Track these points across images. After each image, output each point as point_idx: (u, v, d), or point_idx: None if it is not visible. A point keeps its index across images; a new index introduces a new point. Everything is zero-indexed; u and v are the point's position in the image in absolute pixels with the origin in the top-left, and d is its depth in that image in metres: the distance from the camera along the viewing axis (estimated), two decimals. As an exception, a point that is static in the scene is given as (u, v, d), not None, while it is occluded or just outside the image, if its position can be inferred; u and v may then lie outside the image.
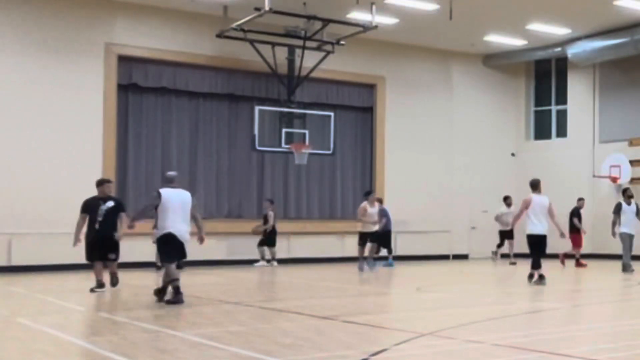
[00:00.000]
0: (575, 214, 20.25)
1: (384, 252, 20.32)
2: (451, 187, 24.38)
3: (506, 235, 21.12)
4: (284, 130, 20.21)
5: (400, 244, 22.81)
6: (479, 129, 25.12)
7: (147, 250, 17.76)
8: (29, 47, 18.35)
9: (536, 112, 26.05)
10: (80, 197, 13.16)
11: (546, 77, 25.74)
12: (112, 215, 12.81)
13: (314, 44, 20.07)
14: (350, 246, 21.56)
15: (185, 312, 10.28)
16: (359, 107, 23.48)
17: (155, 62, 20.17)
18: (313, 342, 7.57)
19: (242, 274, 17.68)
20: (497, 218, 21.48)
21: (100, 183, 13.18)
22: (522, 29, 21.72)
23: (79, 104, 18.89)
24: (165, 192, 11.07)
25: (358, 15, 19.51)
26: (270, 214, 20.05)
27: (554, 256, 20.56)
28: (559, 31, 22.03)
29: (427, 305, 11.77)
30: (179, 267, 11.97)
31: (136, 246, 17.37)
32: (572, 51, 22.83)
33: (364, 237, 18.06)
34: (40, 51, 18.47)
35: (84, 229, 12.82)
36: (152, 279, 15.96)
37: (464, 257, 24.55)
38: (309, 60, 20.21)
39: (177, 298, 10.92)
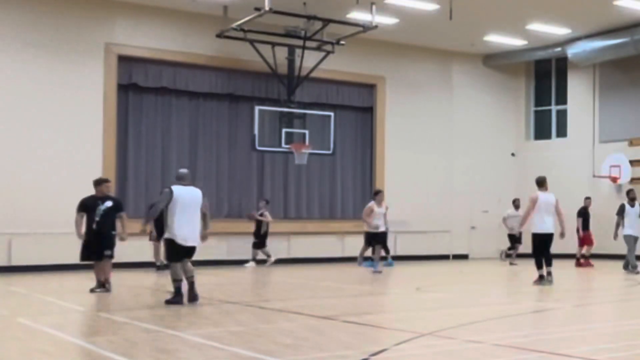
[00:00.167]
0: (581, 213, 20.27)
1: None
2: (451, 187, 24.38)
3: (515, 238, 20.96)
4: (284, 130, 20.21)
5: (400, 244, 22.81)
6: (479, 129, 25.12)
7: (146, 250, 17.79)
8: (29, 47, 18.35)
9: (536, 112, 26.05)
10: (80, 197, 13.08)
11: (546, 77, 25.74)
12: (110, 216, 12.68)
13: (314, 44, 20.07)
14: (350, 246, 21.58)
15: (185, 312, 10.29)
16: (359, 107, 23.48)
17: (155, 62, 20.17)
18: (313, 342, 7.57)
19: (242, 274, 17.69)
20: (504, 220, 21.30)
21: (98, 182, 13.00)
22: (522, 29, 21.72)
23: (79, 104, 18.89)
24: (177, 189, 11.01)
25: (358, 15, 19.50)
26: (267, 214, 20.05)
27: (559, 256, 20.60)
28: (559, 31, 22.03)
29: (427, 305, 11.77)
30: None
31: (135, 246, 17.34)
32: (572, 51, 22.83)
33: (370, 237, 17.59)
34: (40, 51, 18.48)
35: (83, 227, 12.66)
36: (152, 279, 15.97)
37: (464, 257, 24.55)
38: (309, 60, 20.21)
39: (177, 299, 10.91)
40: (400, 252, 22.51)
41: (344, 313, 10.19)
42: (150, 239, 17.37)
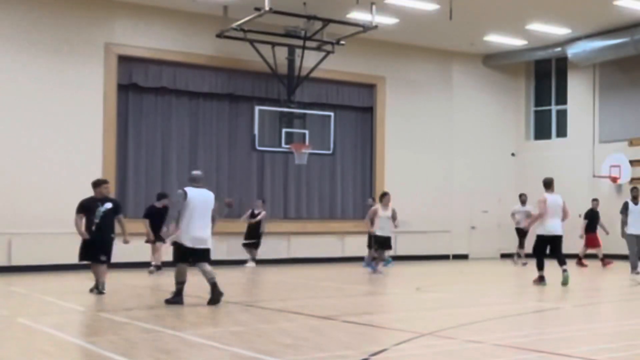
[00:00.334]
0: (588, 215, 20.25)
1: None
2: (451, 187, 24.39)
3: (521, 233, 20.84)
4: (284, 130, 20.21)
5: (400, 244, 22.80)
6: (479, 129, 25.12)
7: (144, 250, 17.75)
8: (29, 47, 18.35)
9: (536, 112, 26.05)
10: (80, 197, 13.02)
11: (546, 77, 25.75)
12: (110, 217, 12.57)
13: (314, 44, 20.07)
14: (350, 246, 21.59)
15: (185, 312, 10.29)
16: (359, 107, 23.48)
17: (155, 62, 20.17)
18: (313, 342, 7.57)
19: (242, 274, 17.68)
20: (513, 216, 21.20)
21: (97, 184, 12.84)
22: (522, 29, 21.72)
23: (79, 104, 18.89)
24: (190, 191, 11.00)
25: (358, 15, 19.50)
26: (264, 213, 20.05)
27: (595, 256, 20.60)
28: (559, 31, 22.03)
29: (427, 305, 11.78)
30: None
31: (133, 246, 17.30)
32: (572, 51, 22.83)
33: (379, 241, 17.25)
34: (40, 51, 18.48)
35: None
36: (152, 280, 15.97)
37: (464, 257, 24.55)
38: (309, 60, 20.21)
39: (177, 299, 10.92)
40: (400, 252, 22.50)
41: (344, 313, 10.19)
42: (147, 241, 17.34)
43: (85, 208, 12.52)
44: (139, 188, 19.98)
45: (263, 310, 10.41)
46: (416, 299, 12.82)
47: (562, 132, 25.15)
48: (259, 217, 19.94)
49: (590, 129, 23.99)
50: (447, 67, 24.64)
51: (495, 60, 25.13)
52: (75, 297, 12.14)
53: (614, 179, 22.63)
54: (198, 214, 10.89)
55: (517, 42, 23.35)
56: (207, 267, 11.05)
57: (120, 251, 15.70)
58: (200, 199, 11.00)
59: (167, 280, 15.58)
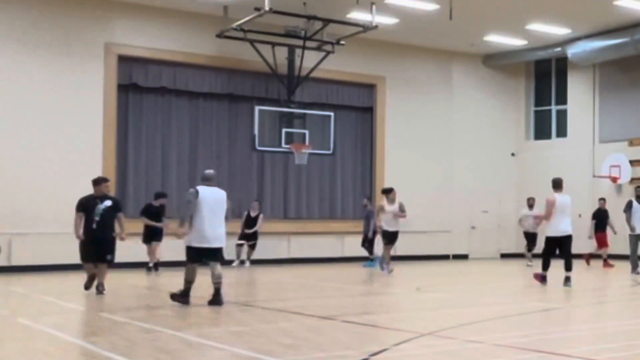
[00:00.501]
0: (596, 215, 20.22)
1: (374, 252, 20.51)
2: (451, 187, 24.39)
3: (530, 237, 20.76)
4: (284, 130, 20.20)
5: (400, 244, 22.72)
6: (479, 129, 25.12)
7: (144, 250, 17.76)
8: (29, 47, 18.35)
9: (536, 112, 26.05)
10: (80, 197, 13.00)
11: (546, 77, 25.74)
12: (110, 215, 12.47)
13: (314, 44, 20.07)
14: (350, 246, 21.57)
15: (185, 312, 10.29)
16: (359, 107, 23.48)
17: (155, 62, 20.17)
18: (313, 342, 7.57)
19: (242, 274, 17.68)
20: (520, 222, 21.02)
21: (97, 182, 12.74)
22: (522, 29, 21.72)
23: (79, 104, 18.89)
24: (202, 190, 10.96)
25: (358, 15, 19.50)
26: (261, 216, 20.04)
27: (594, 257, 20.59)
28: (559, 31, 22.02)
29: (427, 305, 11.77)
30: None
31: (132, 246, 17.32)
32: (572, 51, 22.82)
33: (386, 236, 17.11)
34: (40, 51, 18.48)
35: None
36: (151, 280, 15.97)
37: (464, 257, 24.55)
38: (309, 60, 20.21)
39: (184, 299, 10.84)
40: (400, 252, 22.47)
41: (344, 313, 10.19)
42: (144, 241, 17.33)
43: (85, 206, 12.42)
44: (138, 188, 19.98)
45: (263, 310, 10.40)
46: (416, 299, 12.82)
47: (562, 132, 25.15)
48: (259, 222, 19.91)
49: (590, 129, 23.99)
50: (447, 67, 24.64)
51: (495, 60, 25.13)
52: (75, 297, 12.14)
53: (614, 179, 22.62)
54: (210, 213, 10.83)
55: (517, 42, 23.34)
56: (218, 269, 10.96)
57: (120, 251, 15.70)
58: (212, 198, 10.94)
59: (166, 280, 15.58)
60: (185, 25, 20.26)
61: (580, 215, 20.53)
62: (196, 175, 20.81)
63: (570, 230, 14.00)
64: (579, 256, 20.25)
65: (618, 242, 20.25)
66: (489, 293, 13.80)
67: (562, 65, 24.82)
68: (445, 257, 24.04)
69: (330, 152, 21.30)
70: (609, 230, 20.21)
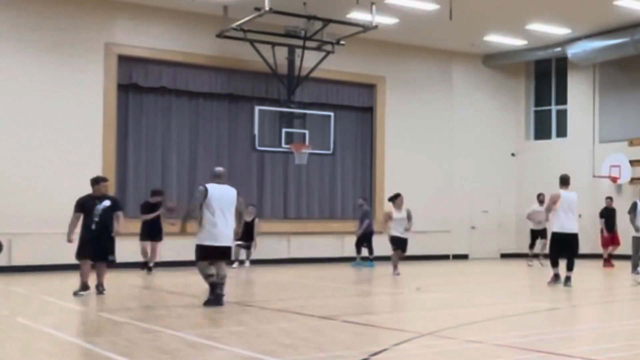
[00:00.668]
0: (604, 214, 20.19)
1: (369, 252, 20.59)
2: (451, 187, 24.38)
3: (539, 234, 20.58)
4: (284, 130, 20.19)
5: (400, 244, 22.79)
6: (479, 129, 25.12)
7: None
8: (29, 47, 18.35)
9: (536, 112, 26.05)
10: (78, 197, 12.91)
11: (546, 77, 25.75)
12: (109, 215, 12.31)
13: (314, 44, 20.07)
14: (350, 246, 21.55)
15: (185, 312, 10.29)
16: (359, 107, 23.47)
17: (155, 62, 20.17)
18: (313, 342, 7.57)
19: (242, 274, 17.68)
20: (529, 216, 20.61)
21: (96, 181, 12.56)
22: (522, 29, 21.72)
23: (79, 103, 18.89)
24: (212, 187, 10.84)
25: (358, 15, 19.50)
26: (257, 220, 20.01)
27: (594, 256, 20.57)
28: (559, 31, 22.02)
29: (427, 305, 11.78)
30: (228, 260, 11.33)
31: (132, 246, 17.32)
32: (572, 51, 22.82)
33: (397, 242, 16.80)
34: (40, 51, 18.48)
35: (77, 229, 12.28)
36: (150, 280, 15.96)
37: (464, 257, 24.55)
38: (309, 60, 20.20)
39: (216, 296, 10.64)
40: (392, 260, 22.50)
41: (344, 313, 10.20)
42: (141, 239, 17.26)
43: (83, 207, 12.26)
44: (138, 188, 19.96)
45: (263, 310, 10.40)
46: (416, 299, 12.83)
47: (562, 132, 25.15)
48: (256, 230, 19.88)
49: (590, 129, 23.99)
50: (447, 67, 24.64)
51: (495, 60, 25.13)
52: (76, 297, 12.11)
53: (614, 179, 22.62)
54: (220, 211, 10.70)
55: (517, 42, 23.34)
56: (224, 268, 10.86)
57: (120, 252, 15.68)
58: (222, 196, 10.81)
59: (164, 280, 15.59)
60: (185, 25, 20.26)
61: (580, 216, 20.48)
62: (196, 175, 20.87)
63: (576, 228, 13.83)
64: (595, 256, 20.29)
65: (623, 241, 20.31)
66: (489, 293, 13.80)
67: (562, 65, 24.82)
68: (445, 257, 24.04)
69: (330, 152, 21.30)
70: (618, 229, 20.10)
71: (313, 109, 21.39)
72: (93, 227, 12.17)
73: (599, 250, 20.61)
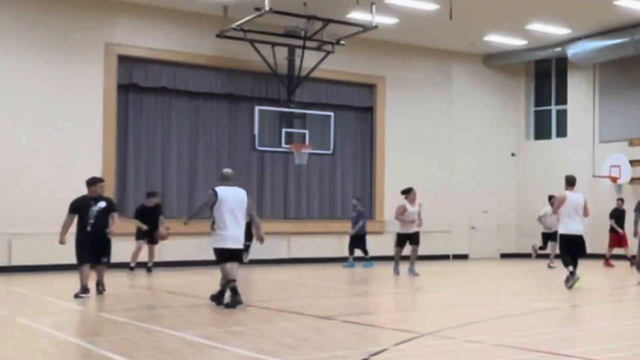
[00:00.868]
0: (614, 214, 20.17)
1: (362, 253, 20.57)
2: (451, 187, 24.38)
3: (550, 237, 20.47)
4: (284, 130, 20.20)
5: (400, 244, 22.78)
6: (479, 129, 25.12)
7: (143, 250, 17.72)
8: (29, 47, 18.35)
9: (536, 112, 26.05)
10: (73, 199, 12.67)
11: (546, 77, 25.75)
12: (104, 217, 12.17)
13: (314, 44, 20.07)
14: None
15: (185, 312, 10.29)
16: (359, 107, 23.48)
17: (155, 62, 20.18)
18: (313, 342, 7.57)
19: (242, 274, 17.67)
20: (540, 219, 20.38)
21: (92, 182, 12.35)
22: (522, 29, 21.72)
23: (79, 104, 18.89)
24: (221, 190, 10.70)
25: (358, 15, 19.51)
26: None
27: (594, 256, 20.53)
28: (559, 31, 22.03)
29: (427, 305, 11.77)
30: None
31: (131, 247, 17.30)
32: (572, 51, 22.83)
33: (402, 239, 16.63)
34: (40, 51, 18.48)
35: (71, 230, 12.13)
36: (150, 280, 15.97)
37: (464, 257, 24.55)
38: (309, 60, 20.21)
39: (235, 300, 10.55)
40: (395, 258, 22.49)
41: (344, 313, 10.20)
42: (137, 239, 17.22)
43: (78, 208, 12.11)
44: (138, 188, 19.96)
45: (263, 310, 10.40)
46: (416, 299, 12.83)
47: (562, 132, 25.15)
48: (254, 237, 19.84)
49: (590, 129, 23.99)
50: (447, 67, 24.64)
51: (495, 60, 25.13)
52: (76, 299, 12.10)
53: (614, 179, 22.63)
54: (230, 213, 10.58)
55: (517, 42, 23.34)
56: (234, 269, 10.78)
57: (120, 252, 15.70)
58: (232, 198, 10.68)
59: (164, 280, 15.59)
60: (185, 25, 20.26)
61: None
62: (196, 175, 20.88)
63: (581, 230, 13.72)
64: (602, 256, 20.27)
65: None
66: (489, 293, 13.80)
67: (562, 65, 24.82)
68: (445, 257, 24.04)
69: (330, 152, 21.30)
70: (627, 230, 20.05)
71: (313, 109, 21.40)
72: (88, 228, 12.02)
73: (599, 250, 20.60)
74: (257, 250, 20.30)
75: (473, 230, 24.84)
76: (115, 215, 12.41)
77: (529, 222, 24.73)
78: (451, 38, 22.94)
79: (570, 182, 13.96)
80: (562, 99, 25.19)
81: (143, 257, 17.62)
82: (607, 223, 20.48)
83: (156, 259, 17.78)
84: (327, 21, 18.95)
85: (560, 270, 14.06)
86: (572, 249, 13.69)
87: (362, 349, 7.27)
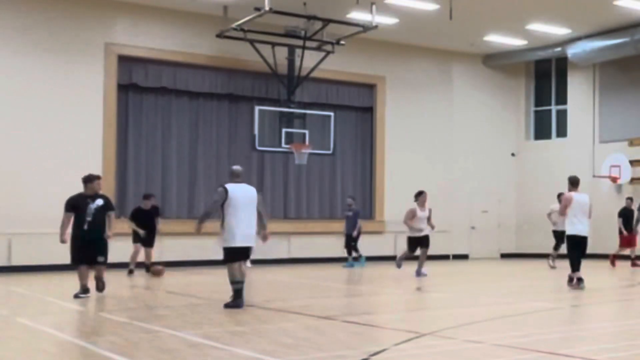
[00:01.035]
0: (622, 214, 20.15)
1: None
2: (451, 187, 24.38)
3: (561, 235, 20.23)
4: (284, 130, 20.20)
5: (401, 244, 22.75)
6: (479, 129, 25.12)
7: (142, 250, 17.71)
8: (29, 47, 18.36)
9: (536, 112, 26.06)
10: (69, 196, 12.47)
11: (546, 77, 25.75)
12: (102, 215, 11.98)
13: (314, 44, 20.08)
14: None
15: (185, 312, 10.29)
16: (359, 107, 23.48)
17: (155, 62, 20.18)
18: (313, 342, 7.57)
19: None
20: (549, 216, 20.04)
21: (89, 179, 12.07)
22: (522, 29, 21.73)
23: (79, 104, 18.90)
24: (231, 187, 10.55)
25: (358, 15, 19.51)
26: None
27: (594, 256, 20.50)
28: (559, 31, 22.03)
29: (427, 305, 11.77)
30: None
31: (131, 247, 17.29)
32: (572, 51, 22.83)
33: (413, 242, 16.49)
34: (40, 51, 18.48)
35: (69, 229, 11.95)
36: (150, 280, 15.96)
37: (464, 257, 24.55)
38: (309, 60, 20.21)
39: (237, 302, 10.50)
40: (400, 252, 22.47)
41: (344, 313, 10.20)
42: (134, 242, 17.15)
43: (75, 206, 11.89)
44: (138, 188, 19.96)
45: (263, 310, 10.40)
46: (416, 299, 12.82)
47: (562, 132, 25.16)
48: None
49: (590, 129, 23.99)
50: (447, 67, 24.64)
51: (495, 60, 25.13)
52: (76, 300, 12.10)
53: (614, 179, 22.63)
54: (242, 211, 10.44)
55: (517, 42, 23.35)
56: (243, 268, 10.70)
57: (120, 252, 15.71)
58: (243, 195, 10.53)
59: (164, 280, 15.59)
60: (185, 25, 20.26)
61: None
62: (196, 175, 20.87)
63: (587, 231, 13.66)
64: (606, 256, 20.27)
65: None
66: (489, 293, 13.80)
67: (562, 65, 24.83)
68: (445, 257, 24.03)
69: (330, 152, 21.30)
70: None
71: (313, 109, 21.40)
72: (85, 227, 11.84)
73: (599, 250, 20.60)
74: (257, 250, 20.31)
75: (473, 230, 24.84)
76: (112, 215, 12.25)
77: (529, 222, 24.75)
78: (451, 38, 22.94)
79: (574, 182, 13.86)
80: (562, 99, 25.19)
81: (142, 257, 17.62)
82: (607, 223, 20.51)
83: (156, 259, 17.75)
84: (327, 21, 18.96)
85: (560, 271, 14.05)
86: (577, 250, 13.63)
87: (362, 349, 7.26)
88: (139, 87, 20.20)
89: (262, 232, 10.96)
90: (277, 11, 17.43)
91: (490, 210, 25.07)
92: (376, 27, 18.96)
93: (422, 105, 24.14)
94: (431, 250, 23.30)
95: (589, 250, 14.08)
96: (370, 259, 21.26)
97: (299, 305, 11.08)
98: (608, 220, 20.64)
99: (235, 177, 10.76)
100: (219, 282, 15.48)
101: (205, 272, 17.72)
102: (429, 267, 20.28)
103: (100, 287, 12.27)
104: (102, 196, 12.31)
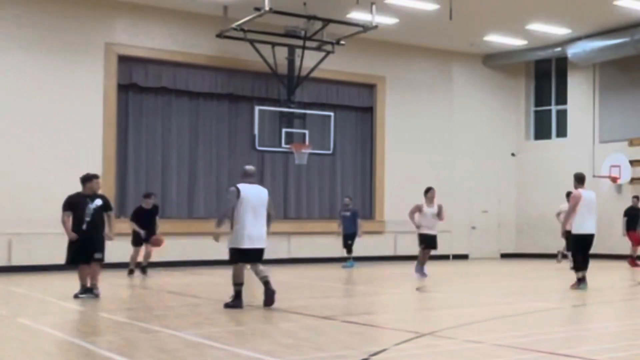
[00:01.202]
0: (627, 213, 20.12)
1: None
2: (451, 187, 24.35)
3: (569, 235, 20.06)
4: (284, 130, 20.20)
5: (401, 244, 22.81)
6: (479, 129, 25.12)
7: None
8: (29, 47, 18.36)
9: (536, 112, 26.06)
10: (68, 196, 12.35)
11: (546, 77, 25.75)
12: (100, 215, 11.87)
13: (314, 44, 20.07)
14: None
15: (185, 312, 10.29)
16: (359, 107, 23.48)
17: (155, 62, 20.18)
18: (313, 342, 7.57)
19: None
20: (558, 216, 19.73)
21: (88, 179, 11.94)
22: (522, 29, 21.73)
23: (79, 104, 18.90)
24: (244, 188, 10.43)
25: (358, 15, 19.51)
26: None
27: (594, 256, 20.45)
28: (559, 31, 22.03)
29: (427, 305, 11.77)
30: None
31: (130, 247, 17.27)
32: (572, 51, 22.83)
33: (426, 239, 16.30)
34: (40, 51, 18.48)
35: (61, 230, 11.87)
36: (150, 280, 15.96)
37: (464, 257, 24.55)
38: (309, 60, 20.21)
39: (237, 302, 10.47)
40: (400, 252, 22.51)
41: (344, 313, 10.20)
42: (134, 244, 17.07)
43: (73, 205, 11.79)
44: (138, 188, 19.96)
45: (263, 310, 10.40)
46: (416, 299, 12.82)
47: (562, 132, 25.16)
48: None
49: (590, 129, 23.99)
50: (447, 67, 24.64)
51: (495, 60, 25.13)
52: (76, 299, 12.09)
53: (614, 179, 22.62)
54: (253, 212, 10.34)
55: (517, 42, 23.35)
56: (260, 266, 10.59)
57: (119, 252, 15.70)
58: (255, 196, 10.42)
59: (164, 280, 15.59)
60: (185, 25, 20.27)
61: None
62: (196, 175, 20.87)
63: (594, 230, 13.43)
64: (608, 256, 20.24)
65: (623, 240, 20.31)
66: (489, 293, 13.79)
67: (562, 65, 24.82)
68: (445, 257, 24.02)
69: (330, 152, 21.30)
70: None
71: (313, 109, 21.40)
72: (84, 227, 11.73)
73: (599, 250, 20.55)
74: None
75: (473, 230, 24.84)
76: (111, 215, 12.18)
77: (529, 222, 24.76)
78: (451, 38, 22.94)
79: (581, 179, 13.51)
80: (562, 99, 25.19)
81: (142, 257, 17.62)
82: (607, 223, 20.47)
83: (156, 259, 17.73)
84: (327, 21, 18.96)
85: (561, 270, 14.04)
86: (584, 249, 13.44)
87: (362, 349, 7.26)
88: (139, 87, 20.20)
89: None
90: (277, 11, 17.44)
91: (490, 210, 25.07)
92: (376, 27, 18.96)
93: (422, 105, 24.14)
94: (431, 250, 23.47)
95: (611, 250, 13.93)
96: (370, 259, 21.27)
97: (299, 305, 11.08)
98: (608, 220, 20.63)
99: (248, 177, 10.62)
100: (219, 282, 15.48)
101: (206, 272, 17.72)
102: (429, 267, 20.29)
103: (95, 294, 11.90)
104: (100, 196, 12.21)
